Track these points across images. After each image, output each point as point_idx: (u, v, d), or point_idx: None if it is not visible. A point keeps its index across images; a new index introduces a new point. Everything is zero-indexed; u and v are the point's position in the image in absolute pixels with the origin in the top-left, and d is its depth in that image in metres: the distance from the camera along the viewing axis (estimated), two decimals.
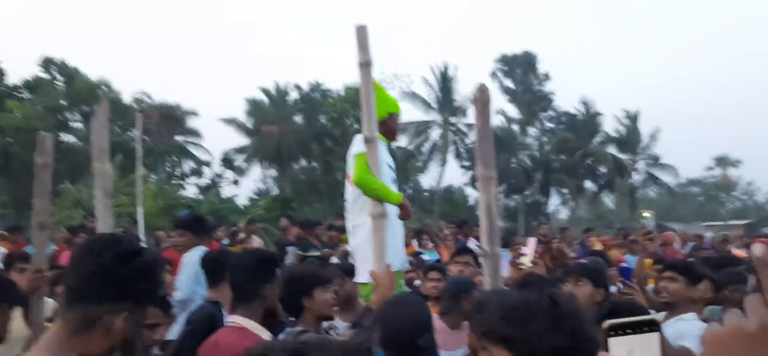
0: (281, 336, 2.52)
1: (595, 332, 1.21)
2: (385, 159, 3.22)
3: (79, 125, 32.50)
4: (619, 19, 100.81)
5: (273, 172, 37.10)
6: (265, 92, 36.47)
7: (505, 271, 4.07)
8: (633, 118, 39.99)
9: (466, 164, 37.05)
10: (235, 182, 36.47)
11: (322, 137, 34.04)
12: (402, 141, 36.21)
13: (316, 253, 7.50)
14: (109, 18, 79.35)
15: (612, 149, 40.31)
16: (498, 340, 1.23)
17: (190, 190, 33.17)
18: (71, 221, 14.59)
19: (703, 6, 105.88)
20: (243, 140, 36.29)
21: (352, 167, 3.18)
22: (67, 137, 32.68)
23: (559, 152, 40.30)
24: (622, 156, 40.07)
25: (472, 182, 35.90)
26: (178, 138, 35.46)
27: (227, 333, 2.56)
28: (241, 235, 9.08)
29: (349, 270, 3.61)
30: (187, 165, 36.17)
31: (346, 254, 5.60)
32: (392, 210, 3.15)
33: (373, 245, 2.86)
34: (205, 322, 3.25)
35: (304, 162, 36.68)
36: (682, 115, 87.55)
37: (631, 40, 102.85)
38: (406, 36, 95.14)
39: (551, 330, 1.18)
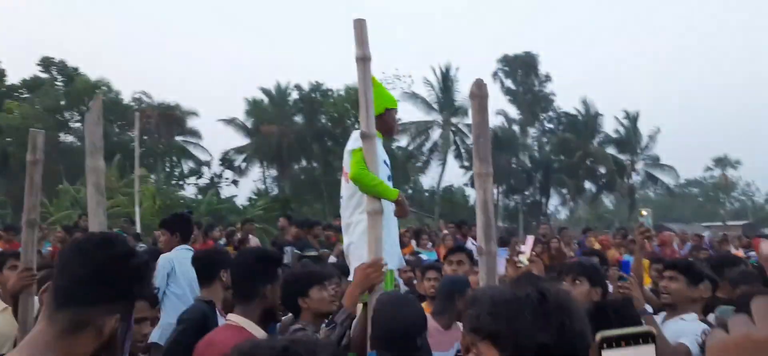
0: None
1: (586, 328, 1.17)
2: (382, 156, 3.17)
3: (78, 125, 32.47)
4: (619, 20, 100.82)
5: (273, 172, 37.08)
6: (266, 91, 36.46)
7: (502, 269, 4.03)
8: (633, 119, 39.96)
9: (467, 164, 36.98)
10: (235, 183, 36.46)
11: (322, 137, 34.01)
12: (403, 141, 36.28)
13: (314, 253, 7.48)
14: (109, 18, 79.38)
15: (612, 150, 40.30)
16: (485, 336, 1.19)
17: (190, 190, 33.17)
18: (69, 220, 14.58)
19: (703, 6, 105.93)
20: (243, 140, 36.30)
21: (348, 163, 3.14)
22: (66, 137, 32.66)
23: (559, 153, 40.28)
24: (622, 157, 40.06)
25: (472, 183, 35.81)
26: (178, 138, 35.42)
27: (224, 331, 2.54)
28: (238, 235, 9.05)
29: (347, 270, 3.58)
30: (187, 165, 36.16)
31: (342, 254, 5.57)
32: (388, 207, 3.11)
33: (369, 241, 2.83)
34: (198, 321, 3.24)
35: (304, 162, 36.66)
36: (681, 116, 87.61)
37: (631, 41, 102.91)
38: (408, 36, 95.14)
39: (538, 326, 1.14)
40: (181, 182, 33.69)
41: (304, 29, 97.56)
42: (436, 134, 37.19)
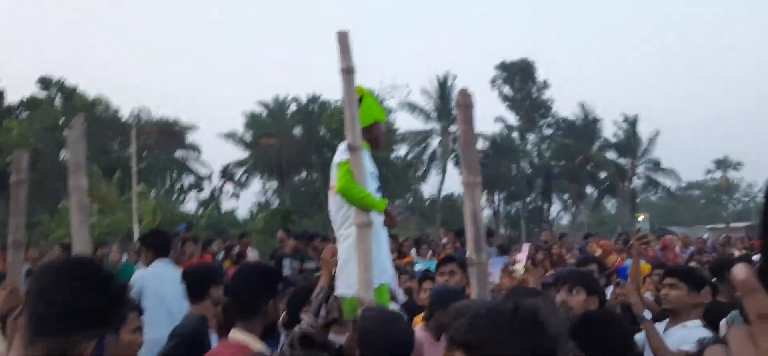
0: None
1: (558, 345, 1.19)
2: (369, 168, 3.14)
3: None
4: (616, 23, 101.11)
5: (273, 184, 37.10)
6: (264, 105, 36.57)
7: (496, 278, 3.98)
8: (632, 122, 39.92)
9: None
10: (236, 196, 36.49)
11: (321, 149, 34.02)
12: (402, 150, 36.32)
13: (313, 265, 7.43)
14: (108, 35, 79.79)
15: (611, 154, 40.24)
16: (459, 345, 1.23)
17: (190, 204, 33.17)
18: (69, 238, 14.56)
19: (702, 7, 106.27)
20: (242, 154, 36.37)
21: (335, 176, 3.10)
22: (67, 155, 32.67)
23: (559, 158, 40.24)
24: (622, 161, 40.00)
25: None
26: (178, 153, 35.47)
27: (226, 348, 2.52)
28: (236, 249, 9.02)
29: None
30: (187, 180, 36.18)
31: None
32: (378, 220, 3.07)
33: (359, 255, 2.79)
34: (190, 336, 3.22)
35: (304, 174, 36.68)
36: (681, 118, 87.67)
37: (629, 44, 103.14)
38: (405, 45, 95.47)
39: (508, 339, 1.17)
40: (181, 198, 33.71)
41: (300, 42, 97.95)
42: (435, 142, 37.28)
